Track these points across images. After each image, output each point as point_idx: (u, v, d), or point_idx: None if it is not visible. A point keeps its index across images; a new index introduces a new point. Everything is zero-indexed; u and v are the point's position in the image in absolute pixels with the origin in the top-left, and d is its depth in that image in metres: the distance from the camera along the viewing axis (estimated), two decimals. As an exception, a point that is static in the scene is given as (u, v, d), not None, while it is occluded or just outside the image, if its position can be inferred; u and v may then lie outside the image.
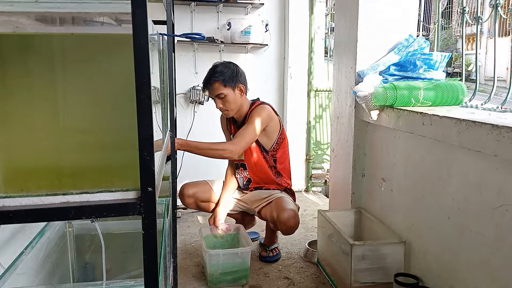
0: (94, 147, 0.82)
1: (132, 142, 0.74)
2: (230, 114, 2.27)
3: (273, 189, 2.32)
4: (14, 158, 0.77)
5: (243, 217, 2.48)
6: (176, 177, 1.85)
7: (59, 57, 0.78)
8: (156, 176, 0.78)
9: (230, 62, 2.27)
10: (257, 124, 2.19)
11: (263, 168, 2.32)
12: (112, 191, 0.78)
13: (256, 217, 2.47)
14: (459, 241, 1.45)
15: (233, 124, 2.38)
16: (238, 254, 1.99)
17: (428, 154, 1.61)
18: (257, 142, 2.27)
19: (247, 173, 2.36)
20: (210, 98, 2.32)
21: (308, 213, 3.05)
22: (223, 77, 2.17)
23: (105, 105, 0.82)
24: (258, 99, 2.37)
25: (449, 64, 10.32)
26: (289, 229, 2.14)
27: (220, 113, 2.33)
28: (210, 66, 2.28)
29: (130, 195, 0.78)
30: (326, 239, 2.06)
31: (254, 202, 2.31)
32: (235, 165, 2.41)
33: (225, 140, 2.47)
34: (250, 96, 2.34)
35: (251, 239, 2.50)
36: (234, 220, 2.53)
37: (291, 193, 2.38)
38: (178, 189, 2.25)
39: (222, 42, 3.27)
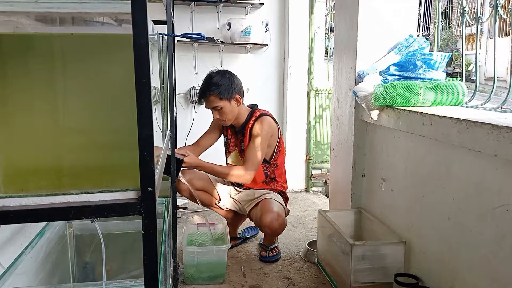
0: (94, 147, 0.82)
1: (132, 142, 0.74)
2: (227, 123, 2.28)
3: (267, 189, 2.33)
4: (14, 158, 0.77)
5: (233, 216, 2.48)
6: (176, 177, 1.85)
7: (59, 57, 0.78)
8: (156, 176, 0.78)
9: (225, 72, 2.23)
10: (262, 143, 2.20)
11: (261, 179, 2.34)
12: (112, 191, 0.78)
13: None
14: (459, 241, 1.45)
15: (230, 129, 2.38)
16: (214, 252, 1.99)
17: (428, 154, 1.61)
18: None
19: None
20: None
21: (308, 213, 3.05)
22: (219, 90, 2.15)
23: (105, 105, 0.82)
24: (256, 106, 2.36)
25: (449, 64, 10.33)
26: (273, 231, 2.16)
27: None
28: (212, 68, 2.27)
29: (130, 195, 0.78)
30: (326, 239, 2.06)
31: (247, 201, 2.33)
32: None
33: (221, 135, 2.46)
34: (250, 96, 2.34)
35: (251, 236, 2.52)
36: (225, 220, 2.52)
37: (285, 197, 2.39)
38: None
39: (222, 42, 3.28)
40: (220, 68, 2.29)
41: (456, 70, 10.28)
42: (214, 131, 2.43)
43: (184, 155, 2.07)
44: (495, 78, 1.66)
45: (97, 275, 1.50)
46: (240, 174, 2.18)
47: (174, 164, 1.74)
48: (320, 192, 3.61)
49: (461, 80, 1.83)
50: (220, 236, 2.22)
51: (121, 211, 0.77)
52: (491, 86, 1.66)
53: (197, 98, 2.38)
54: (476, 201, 1.36)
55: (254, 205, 2.25)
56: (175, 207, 1.81)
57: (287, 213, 2.34)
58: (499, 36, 8.66)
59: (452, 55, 9.77)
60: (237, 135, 2.34)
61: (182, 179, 2.13)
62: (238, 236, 2.51)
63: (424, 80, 1.81)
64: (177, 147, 2.03)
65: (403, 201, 1.80)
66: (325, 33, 3.72)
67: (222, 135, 2.45)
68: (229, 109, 2.20)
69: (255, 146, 2.19)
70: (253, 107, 2.33)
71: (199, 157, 2.25)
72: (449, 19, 12.12)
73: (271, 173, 2.36)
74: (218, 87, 2.15)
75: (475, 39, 9.77)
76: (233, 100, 2.20)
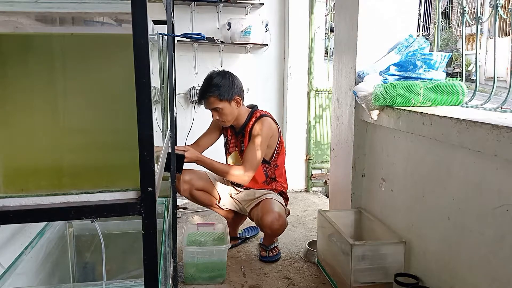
0: (94, 147, 0.82)
1: (132, 142, 0.74)
2: (227, 124, 2.28)
3: (267, 189, 2.33)
4: (14, 158, 0.77)
5: (233, 216, 2.48)
6: (179, 173, 1.86)
7: (59, 57, 0.78)
8: (156, 176, 0.78)
9: (226, 73, 2.24)
10: (262, 143, 2.21)
11: (261, 179, 2.35)
12: (112, 191, 0.78)
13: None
14: (459, 241, 1.45)
15: (230, 129, 2.38)
16: (214, 252, 2.00)
17: (428, 154, 1.61)
18: None
19: None
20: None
21: (308, 213, 3.05)
22: (219, 91, 2.15)
23: (105, 105, 0.82)
24: (256, 107, 2.36)
25: (449, 64, 10.33)
26: (274, 232, 2.16)
27: None
28: (212, 68, 2.27)
29: (130, 195, 0.78)
30: (326, 239, 2.06)
31: (247, 201, 2.33)
32: None
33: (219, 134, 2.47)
34: (250, 96, 2.34)
35: (251, 236, 2.52)
36: (225, 220, 2.52)
37: (285, 198, 2.39)
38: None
39: (222, 42, 3.27)
40: (220, 69, 2.29)
41: (456, 70, 10.28)
42: (214, 131, 2.43)
43: (184, 150, 2.08)
44: (495, 78, 1.66)
45: (97, 275, 1.50)
46: (238, 174, 2.18)
47: (174, 164, 1.74)
48: (320, 192, 3.61)
49: (461, 80, 1.83)
50: (220, 236, 2.22)
51: (121, 211, 0.77)
52: (491, 86, 1.66)
53: (197, 98, 2.38)
54: (476, 201, 1.36)
55: (255, 205, 2.25)
56: (175, 207, 1.81)
57: (287, 213, 2.34)
58: (499, 36, 8.66)
59: (452, 55, 9.77)
60: (237, 136, 2.34)
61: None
62: (238, 236, 2.51)
63: (424, 80, 1.81)
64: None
65: (403, 201, 1.80)
66: (325, 33, 3.72)
67: (222, 135, 2.45)
68: (229, 110, 2.20)
69: (255, 147, 2.19)
70: (253, 108, 2.34)
71: None
72: (449, 19, 12.12)
73: (271, 173, 2.36)
74: (218, 88, 2.15)
75: (475, 39, 9.77)
76: (233, 101, 2.20)
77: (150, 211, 0.77)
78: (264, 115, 2.29)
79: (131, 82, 0.72)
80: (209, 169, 2.23)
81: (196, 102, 3.35)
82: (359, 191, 2.18)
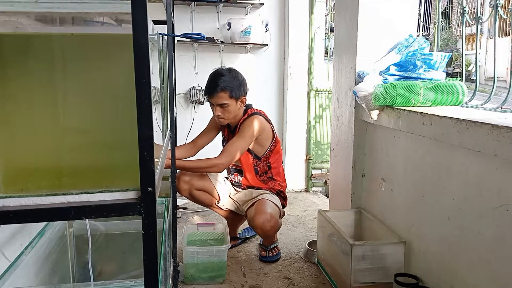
0: (94, 147, 0.82)
1: (132, 142, 0.74)
2: (225, 122, 2.28)
3: (265, 189, 2.33)
4: (14, 158, 0.77)
5: (233, 216, 2.48)
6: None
7: (59, 57, 0.78)
8: (156, 176, 0.78)
9: (236, 72, 2.24)
10: (247, 137, 2.20)
11: (253, 175, 2.35)
12: (112, 191, 0.78)
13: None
14: (459, 241, 1.45)
15: (227, 128, 2.39)
16: (214, 252, 2.00)
17: (428, 154, 1.61)
18: (248, 151, 2.28)
19: (241, 179, 2.39)
20: (208, 102, 2.30)
21: (308, 213, 3.05)
22: (231, 88, 2.15)
23: (105, 105, 0.82)
24: (251, 105, 2.37)
25: (449, 64, 10.33)
26: (265, 233, 2.16)
27: None
28: (212, 68, 2.28)
29: (130, 195, 0.78)
30: (326, 239, 2.06)
31: (244, 201, 2.33)
32: (230, 169, 2.43)
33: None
34: (250, 96, 2.34)
35: (251, 236, 2.52)
36: (225, 220, 2.52)
37: (283, 197, 2.38)
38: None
39: (222, 42, 3.28)
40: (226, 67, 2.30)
41: (456, 70, 10.29)
42: (212, 130, 2.44)
43: None
44: (495, 78, 1.66)
45: (97, 275, 1.50)
46: (213, 164, 2.14)
47: (174, 164, 1.74)
48: (320, 192, 3.61)
49: (461, 80, 1.83)
50: (220, 236, 2.22)
51: (121, 211, 0.77)
52: (491, 86, 1.66)
53: (201, 88, 2.36)
54: (476, 201, 1.36)
55: (251, 205, 2.26)
56: (175, 207, 1.81)
57: (282, 214, 2.34)
58: (499, 36, 8.66)
59: (452, 55, 9.77)
60: (233, 134, 2.35)
61: None
62: (238, 236, 2.51)
63: (424, 80, 1.81)
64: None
65: (403, 201, 1.80)
66: (325, 33, 3.72)
67: (220, 133, 2.46)
68: (233, 108, 2.20)
69: (236, 139, 2.20)
70: (247, 106, 2.34)
71: (196, 156, 2.26)
72: (449, 19, 12.13)
73: (264, 170, 2.35)
74: (231, 85, 2.16)
75: (475, 39, 9.76)
76: (239, 101, 2.21)
77: (150, 211, 0.77)
78: (256, 113, 2.29)
79: (131, 82, 0.72)
80: (184, 170, 2.19)
81: (196, 102, 3.36)
82: (359, 191, 2.18)
